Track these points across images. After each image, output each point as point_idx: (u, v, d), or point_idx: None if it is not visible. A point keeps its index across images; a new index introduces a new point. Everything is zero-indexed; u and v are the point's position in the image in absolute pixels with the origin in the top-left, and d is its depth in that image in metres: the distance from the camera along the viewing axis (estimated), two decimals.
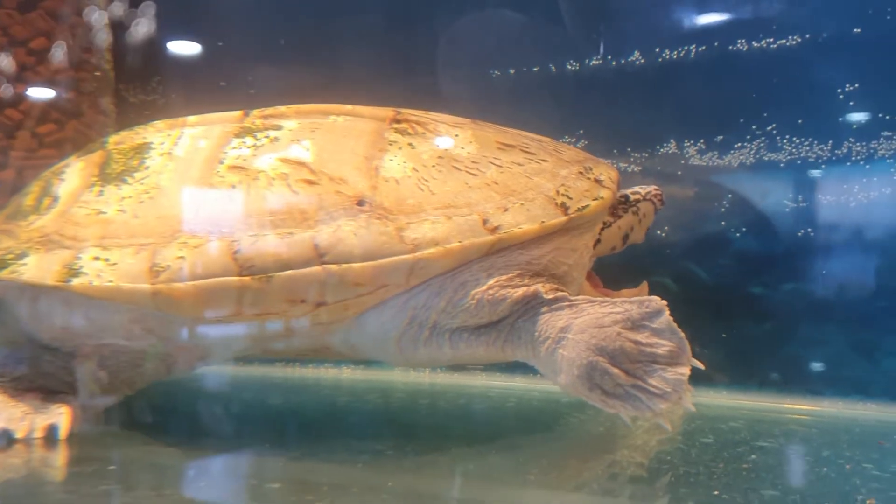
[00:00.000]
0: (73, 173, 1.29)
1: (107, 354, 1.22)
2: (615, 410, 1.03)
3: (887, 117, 1.67)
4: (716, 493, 0.93)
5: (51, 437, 1.13)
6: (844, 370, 1.73)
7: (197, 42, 2.01)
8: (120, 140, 1.32)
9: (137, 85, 2.08)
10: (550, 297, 1.10)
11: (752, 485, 0.97)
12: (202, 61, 2.04)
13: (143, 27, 1.70)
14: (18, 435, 1.13)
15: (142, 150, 1.26)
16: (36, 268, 1.15)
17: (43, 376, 1.21)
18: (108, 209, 1.19)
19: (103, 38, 1.89)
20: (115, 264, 1.13)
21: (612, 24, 1.90)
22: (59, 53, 1.75)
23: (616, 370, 1.01)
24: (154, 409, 1.41)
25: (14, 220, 1.28)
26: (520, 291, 1.12)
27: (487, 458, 1.12)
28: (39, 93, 1.77)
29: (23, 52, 1.74)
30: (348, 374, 1.95)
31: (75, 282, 1.12)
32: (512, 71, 1.95)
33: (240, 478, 0.99)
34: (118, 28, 1.88)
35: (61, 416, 1.15)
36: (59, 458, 1.08)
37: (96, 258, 1.14)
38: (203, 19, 2.04)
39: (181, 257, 1.11)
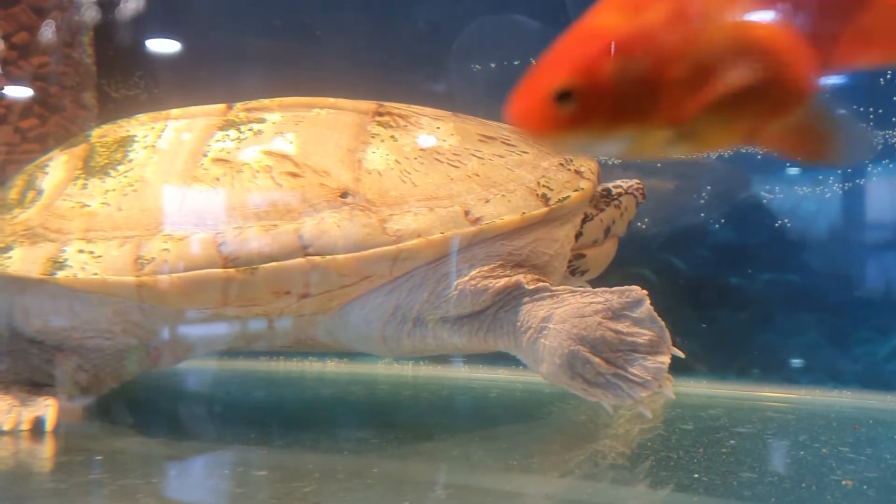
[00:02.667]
0: (57, 167, 1.29)
1: (91, 347, 1.22)
2: (597, 399, 1.04)
3: (861, 109, 1.70)
4: (696, 476, 0.95)
5: (38, 429, 1.14)
6: (820, 359, 1.76)
7: (179, 37, 2.00)
8: (103, 133, 1.32)
9: (120, 80, 2.07)
10: (532, 287, 1.12)
11: (731, 468, 0.99)
12: (184, 56, 2.03)
13: (125, 20, 1.69)
14: (5, 427, 1.13)
15: (125, 143, 1.26)
16: (21, 261, 1.16)
17: (29, 369, 1.21)
18: (92, 202, 1.19)
19: (85, 32, 1.89)
20: (99, 257, 1.13)
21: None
22: (41, 48, 1.75)
23: (597, 359, 1.02)
24: (140, 403, 1.42)
25: None
26: (501, 282, 1.13)
27: (470, 446, 1.13)
28: (22, 88, 1.76)
29: (5, 46, 1.73)
30: (332, 368, 1.96)
31: (60, 274, 1.12)
32: (493, 65, 1.96)
33: (226, 466, 1.00)
34: (100, 22, 1.88)
35: (48, 409, 1.15)
36: (47, 449, 1.08)
37: (81, 251, 1.14)
38: (185, 14, 2.04)
39: (166, 249, 1.11)
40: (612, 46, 0.42)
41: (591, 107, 0.42)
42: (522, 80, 0.44)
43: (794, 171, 1.77)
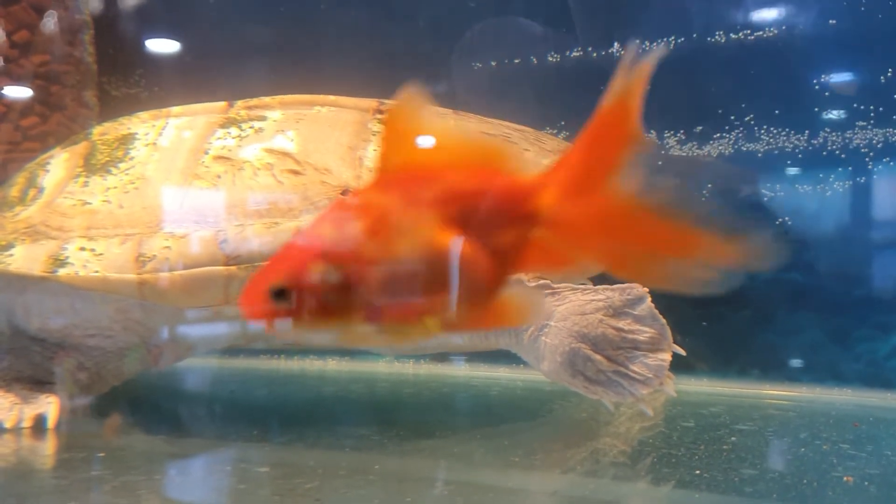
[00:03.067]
0: (58, 164, 1.29)
1: (93, 345, 1.23)
2: (598, 396, 1.04)
3: (861, 108, 1.70)
4: (697, 472, 0.95)
5: (39, 426, 1.14)
6: (821, 357, 1.76)
7: (179, 35, 2.01)
8: (104, 131, 1.32)
9: (120, 78, 2.07)
10: (533, 284, 1.11)
11: (733, 465, 0.99)
12: (185, 54, 2.03)
13: (126, 18, 1.69)
14: (7, 425, 1.13)
15: (127, 140, 1.26)
16: (22, 258, 1.16)
17: (31, 367, 1.21)
18: (93, 200, 1.19)
19: (86, 31, 1.89)
20: (101, 254, 1.13)
21: (591, 16, 1.91)
22: (42, 46, 1.75)
23: (598, 356, 1.03)
24: (141, 400, 1.42)
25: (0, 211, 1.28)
26: None
27: (471, 444, 1.14)
28: (23, 86, 1.77)
29: (6, 44, 1.74)
30: (333, 366, 1.96)
31: (61, 272, 1.13)
32: (493, 63, 1.96)
33: (228, 463, 1.00)
34: (101, 20, 1.88)
35: (49, 406, 1.15)
36: (49, 446, 1.08)
37: (82, 248, 1.14)
38: (185, 12, 2.04)
39: (167, 247, 1.12)
40: (319, 254, 0.50)
41: (300, 304, 0.50)
42: (252, 277, 0.53)
43: (794, 170, 1.77)
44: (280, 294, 0.50)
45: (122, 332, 1.22)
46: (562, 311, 1.07)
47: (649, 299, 1.05)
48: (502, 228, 0.53)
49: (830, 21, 1.73)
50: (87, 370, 1.23)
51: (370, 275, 0.50)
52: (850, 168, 1.72)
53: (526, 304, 0.56)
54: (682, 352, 1.05)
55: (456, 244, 0.51)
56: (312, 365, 1.97)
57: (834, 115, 1.73)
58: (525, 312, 0.56)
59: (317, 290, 0.49)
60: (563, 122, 1.90)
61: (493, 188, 0.53)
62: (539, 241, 0.53)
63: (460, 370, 1.92)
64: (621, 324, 1.04)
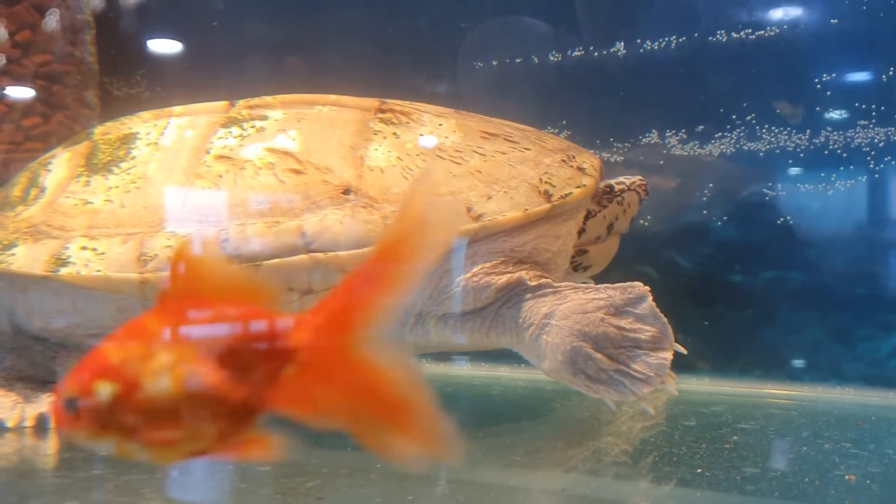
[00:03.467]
0: (60, 164, 1.29)
1: (95, 345, 1.23)
2: (599, 395, 1.04)
3: (863, 107, 1.70)
4: (699, 471, 0.95)
5: (41, 425, 1.14)
6: (822, 355, 1.76)
7: (180, 35, 2.01)
8: (106, 131, 1.32)
9: (121, 78, 2.07)
10: (534, 283, 1.12)
11: (734, 463, 1.00)
12: (186, 54, 2.04)
13: (127, 18, 1.70)
14: (9, 424, 1.14)
15: (128, 140, 1.27)
16: (24, 258, 1.16)
17: (32, 366, 1.22)
18: (95, 199, 1.20)
19: (88, 30, 1.89)
20: (102, 254, 1.13)
21: (593, 15, 1.92)
22: (43, 46, 1.75)
23: (599, 355, 1.02)
24: None
25: (2, 211, 1.29)
26: (504, 278, 1.14)
27: (473, 442, 1.13)
28: (25, 86, 1.77)
29: (8, 44, 1.74)
30: None
31: (63, 271, 1.13)
32: (495, 62, 1.96)
33: (229, 461, 1.00)
34: (102, 20, 1.88)
35: (51, 405, 1.16)
36: (50, 446, 1.09)
37: (84, 248, 1.15)
38: (187, 12, 2.05)
39: (169, 246, 1.12)
40: (100, 370, 0.53)
41: (85, 415, 0.53)
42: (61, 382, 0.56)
43: (796, 169, 1.77)
44: (72, 402, 0.54)
45: None
46: (563, 310, 1.07)
47: (650, 298, 1.05)
48: (258, 364, 0.55)
49: (832, 20, 1.73)
50: None
51: (132, 397, 0.53)
52: (851, 167, 1.72)
53: (271, 444, 0.58)
54: (684, 350, 1.05)
55: (210, 376, 0.54)
56: None
57: (835, 114, 1.73)
58: (269, 452, 0.58)
59: (94, 405, 0.53)
60: (564, 122, 1.90)
61: (253, 325, 0.56)
62: (291, 379, 0.55)
63: (462, 369, 1.92)
64: (623, 322, 1.04)
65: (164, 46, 2.02)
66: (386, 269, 0.54)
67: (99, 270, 1.12)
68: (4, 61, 1.74)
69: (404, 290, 0.54)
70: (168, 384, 0.53)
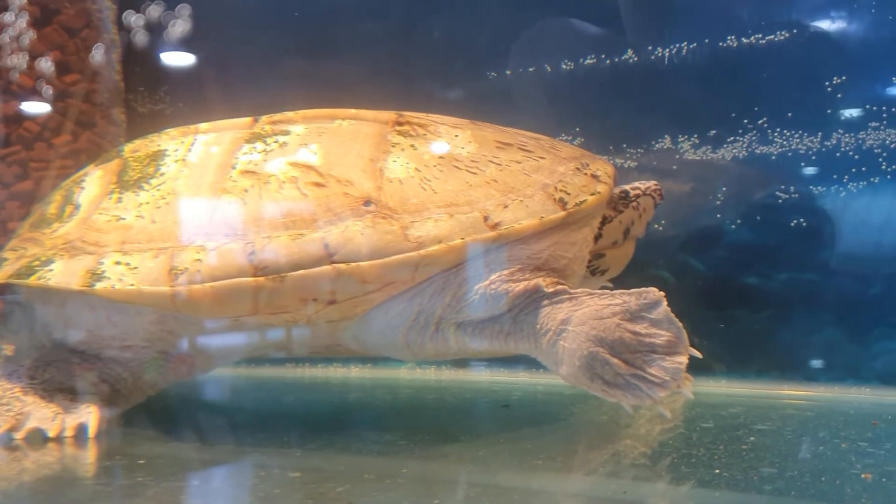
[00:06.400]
0: (93, 181, 1.33)
1: (130, 356, 1.26)
2: (616, 399, 1.05)
3: (874, 109, 1.71)
4: (717, 471, 0.97)
5: (80, 435, 1.17)
6: (838, 356, 1.77)
7: (202, 52, 2.04)
8: (135, 148, 1.36)
9: (146, 94, 2.11)
10: (551, 290, 1.13)
11: (752, 464, 1.01)
12: (208, 71, 2.07)
13: (152, 38, 1.74)
14: (51, 434, 1.17)
15: (157, 157, 1.30)
16: (62, 273, 1.19)
17: (71, 378, 1.25)
18: (127, 215, 1.23)
19: (114, 49, 1.94)
20: (135, 268, 1.17)
21: (604, 24, 1.94)
22: (73, 66, 1.80)
23: (616, 360, 1.04)
24: (175, 409, 1.45)
25: (39, 228, 1.33)
26: (521, 285, 1.15)
27: (495, 447, 1.16)
28: (56, 105, 1.82)
29: (39, 65, 1.79)
30: (356, 373, 1.99)
31: (99, 286, 1.16)
32: (508, 72, 1.99)
33: (262, 468, 1.03)
34: (126, 40, 1.93)
35: (90, 416, 1.19)
36: (90, 454, 1.12)
37: (118, 262, 1.18)
38: (208, 29, 2.08)
39: (198, 260, 1.15)
40: None
41: None
42: None
43: (808, 171, 1.78)
44: None
45: (158, 342, 1.26)
46: (579, 316, 1.08)
47: (665, 303, 1.05)
48: None
49: (841, 24, 1.74)
50: (125, 380, 1.27)
51: None
52: (863, 168, 1.73)
53: None
54: (699, 354, 1.07)
55: None
56: (336, 372, 2.00)
57: (846, 116, 1.74)
58: None
59: None
60: (577, 129, 1.92)
61: None
62: None
63: (481, 375, 1.94)
64: (638, 328, 1.05)
65: (186, 63, 2.05)
66: None
67: (132, 284, 1.15)
68: (38, 82, 1.79)
69: None
70: None
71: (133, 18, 1.70)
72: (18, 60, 1.74)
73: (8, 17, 1.73)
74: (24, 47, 1.73)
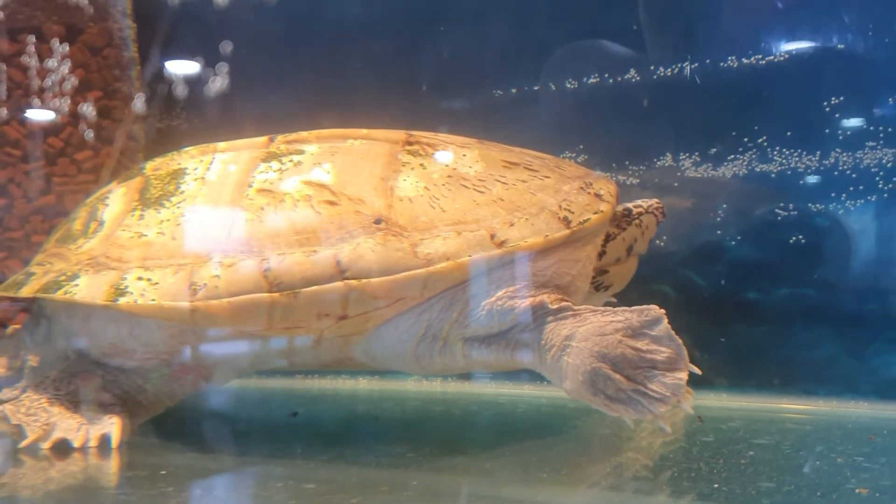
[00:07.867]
0: (116, 199, 1.36)
1: (150, 368, 1.30)
2: (618, 414, 1.07)
3: (871, 128, 1.74)
4: (716, 486, 0.99)
5: (104, 445, 1.20)
6: (836, 370, 1.79)
7: (218, 70, 2.07)
8: (157, 166, 1.39)
9: (163, 111, 2.14)
10: (555, 306, 1.15)
11: (751, 478, 1.03)
12: (223, 88, 2.10)
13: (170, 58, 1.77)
14: (75, 444, 1.19)
15: (177, 175, 1.34)
16: (87, 288, 1.23)
17: (95, 390, 1.28)
18: (149, 232, 1.27)
19: (133, 66, 1.99)
20: (156, 284, 1.20)
21: (607, 44, 1.97)
22: (95, 83, 1.85)
23: (618, 376, 1.06)
24: (190, 420, 1.47)
25: (65, 243, 1.36)
26: (526, 302, 1.18)
27: (501, 460, 1.18)
28: (80, 122, 1.87)
29: (63, 83, 1.84)
30: (364, 385, 2.01)
31: (122, 301, 1.19)
32: (514, 90, 2.02)
33: (279, 479, 1.05)
34: (144, 55, 1.97)
35: (113, 427, 1.22)
36: (113, 464, 1.14)
37: (140, 278, 1.21)
38: (223, 46, 2.11)
39: (216, 276, 1.18)
40: None
41: None
42: None
43: (807, 189, 1.81)
44: None
45: (177, 355, 1.29)
46: (582, 332, 1.11)
47: (665, 320, 1.07)
48: None
49: (839, 45, 1.78)
50: (146, 391, 1.31)
51: None
52: (861, 187, 1.76)
53: None
54: (698, 371, 1.09)
55: None
56: (345, 384, 2.02)
57: (844, 135, 1.77)
58: None
59: None
60: (581, 147, 1.95)
61: None
62: None
63: (486, 388, 1.96)
64: (639, 344, 1.07)
65: (203, 80, 2.08)
66: None
67: (154, 300, 1.18)
68: (63, 100, 1.83)
69: None
70: None
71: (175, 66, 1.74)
72: (52, 83, 1.79)
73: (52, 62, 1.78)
74: (65, 79, 1.78)
